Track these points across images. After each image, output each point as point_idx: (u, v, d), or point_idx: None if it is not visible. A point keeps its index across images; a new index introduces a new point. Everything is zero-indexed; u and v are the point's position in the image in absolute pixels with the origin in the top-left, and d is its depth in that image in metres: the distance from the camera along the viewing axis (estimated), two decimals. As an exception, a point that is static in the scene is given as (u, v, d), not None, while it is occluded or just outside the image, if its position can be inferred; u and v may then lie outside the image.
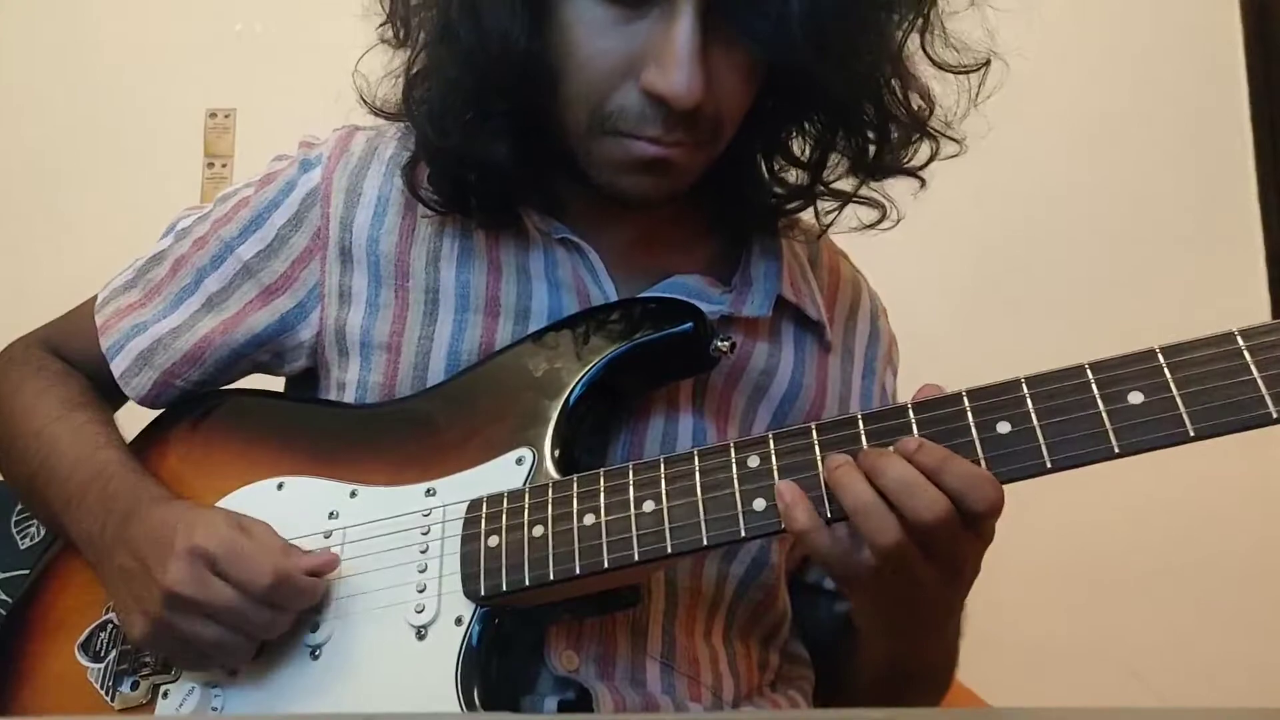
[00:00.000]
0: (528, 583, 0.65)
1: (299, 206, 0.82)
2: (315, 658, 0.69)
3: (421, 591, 0.68)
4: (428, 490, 0.72)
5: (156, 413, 0.88)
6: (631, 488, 0.65)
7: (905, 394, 0.65)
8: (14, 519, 1.28)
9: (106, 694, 0.74)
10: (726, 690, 0.76)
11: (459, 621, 0.66)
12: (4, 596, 1.26)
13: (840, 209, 0.83)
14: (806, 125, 0.80)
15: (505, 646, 0.68)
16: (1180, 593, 1.75)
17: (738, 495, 0.62)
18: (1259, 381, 0.54)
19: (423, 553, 0.69)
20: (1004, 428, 0.58)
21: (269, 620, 0.68)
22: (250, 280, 0.82)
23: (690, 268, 0.81)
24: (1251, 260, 1.91)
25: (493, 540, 0.67)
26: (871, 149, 0.78)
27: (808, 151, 0.81)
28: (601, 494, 0.65)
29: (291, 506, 0.73)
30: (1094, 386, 0.57)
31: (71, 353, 0.90)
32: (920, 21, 0.74)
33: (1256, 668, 1.69)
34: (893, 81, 0.75)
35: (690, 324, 0.72)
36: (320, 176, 0.82)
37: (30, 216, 2.02)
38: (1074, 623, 1.75)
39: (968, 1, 0.75)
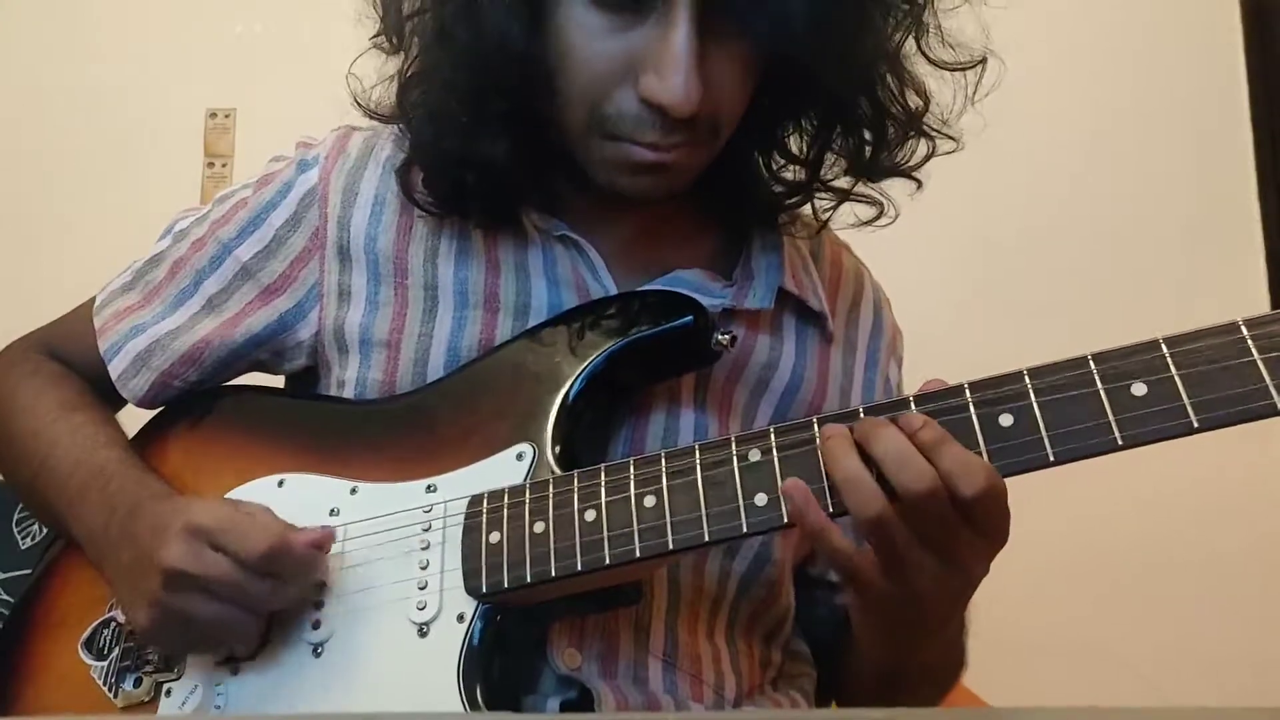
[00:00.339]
0: (529, 579, 0.65)
1: (297, 207, 0.82)
2: (317, 655, 0.69)
3: (423, 588, 0.68)
4: (428, 486, 0.72)
5: (156, 412, 0.88)
6: (632, 482, 0.65)
7: (909, 389, 0.64)
8: (15, 519, 1.28)
9: (109, 691, 0.74)
10: (729, 688, 0.76)
11: (461, 618, 0.66)
12: (6, 596, 1.26)
13: (837, 206, 0.83)
14: (803, 122, 0.80)
15: (507, 644, 0.67)
16: (1182, 591, 1.74)
17: (739, 490, 0.62)
18: (1264, 372, 0.53)
19: (424, 549, 0.69)
20: (1006, 420, 0.58)
21: (268, 591, 0.67)
22: (249, 281, 0.82)
23: (691, 263, 0.81)
24: (1251, 260, 1.91)
25: (494, 536, 0.67)
26: (868, 149, 0.78)
27: (805, 149, 0.81)
28: (602, 489, 0.65)
29: (292, 503, 0.73)
30: (1097, 378, 0.57)
31: (69, 355, 0.89)
32: (917, 18, 0.74)
33: (1260, 666, 1.68)
34: (889, 78, 0.76)
35: (690, 317, 0.72)
36: (318, 177, 0.82)
37: (30, 217, 2.02)
38: (1074, 622, 1.74)
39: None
